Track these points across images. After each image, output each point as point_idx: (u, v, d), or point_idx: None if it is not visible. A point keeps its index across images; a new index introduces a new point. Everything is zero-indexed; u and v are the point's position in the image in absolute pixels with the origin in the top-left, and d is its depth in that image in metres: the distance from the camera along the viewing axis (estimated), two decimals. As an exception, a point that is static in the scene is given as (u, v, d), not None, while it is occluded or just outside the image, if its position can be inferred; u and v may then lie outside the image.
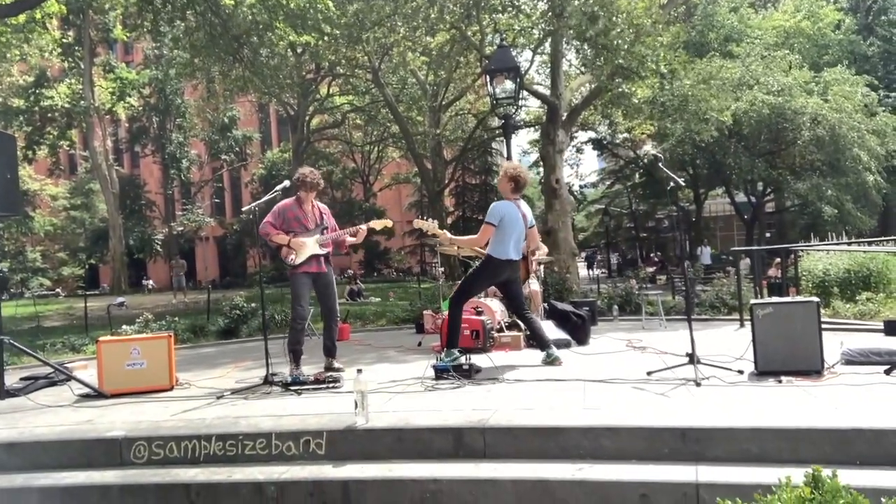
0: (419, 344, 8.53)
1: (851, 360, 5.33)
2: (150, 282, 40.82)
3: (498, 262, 6.18)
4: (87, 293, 30.71)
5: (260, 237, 6.32)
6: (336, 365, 6.47)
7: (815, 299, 5.19)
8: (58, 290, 40.51)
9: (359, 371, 4.35)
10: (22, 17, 17.42)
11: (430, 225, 6.50)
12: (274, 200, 6.32)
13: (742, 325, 8.72)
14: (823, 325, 5.13)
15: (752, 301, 5.59)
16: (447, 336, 6.29)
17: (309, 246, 6.27)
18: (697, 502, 3.43)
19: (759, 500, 2.32)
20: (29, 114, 31.54)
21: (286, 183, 6.37)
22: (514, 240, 6.19)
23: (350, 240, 6.57)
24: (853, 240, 16.44)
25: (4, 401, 5.82)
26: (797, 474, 3.38)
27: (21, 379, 6.59)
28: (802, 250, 11.86)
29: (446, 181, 32.88)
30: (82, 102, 31.38)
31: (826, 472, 2.20)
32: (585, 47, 14.98)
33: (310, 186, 6.35)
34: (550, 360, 6.17)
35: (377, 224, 6.70)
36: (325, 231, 6.41)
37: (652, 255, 42.92)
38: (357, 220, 45.73)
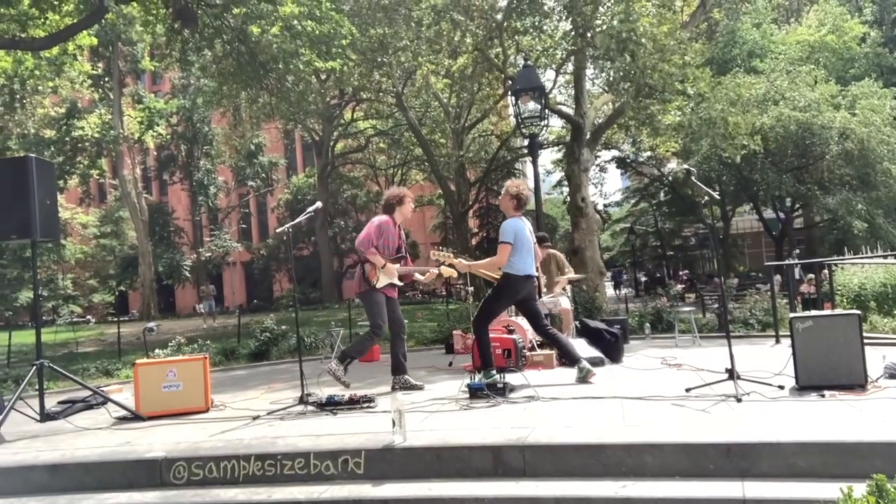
0: (450, 364, 8.50)
1: (895, 373, 5.22)
2: (201, 305, 38.03)
3: (517, 280, 6.27)
4: (118, 319, 31.12)
5: (358, 250, 6.34)
6: (414, 382, 6.45)
7: (857, 312, 5.10)
8: (88, 316, 41.07)
9: (394, 389, 4.34)
10: (55, 50, 17.89)
11: (446, 255, 6.59)
12: (299, 225, 6.36)
13: (778, 342, 8.59)
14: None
15: (791, 315, 5.51)
16: (480, 358, 6.36)
17: (394, 275, 6.38)
18: (745, 519, 3.36)
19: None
20: (60, 144, 32.24)
21: (318, 204, 6.47)
22: (528, 255, 6.32)
23: (418, 277, 6.69)
24: (889, 253, 16.14)
25: (45, 424, 5.90)
26: (849, 486, 3.33)
27: (59, 402, 6.67)
28: (836, 264, 11.67)
29: (470, 202, 32.93)
30: (112, 132, 32.04)
31: (890, 485, 2.14)
32: (608, 66, 14.99)
33: (402, 202, 6.49)
34: (583, 375, 6.13)
35: (445, 271, 6.76)
36: (404, 262, 6.53)
37: (680, 272, 42.50)
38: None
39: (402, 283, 6.56)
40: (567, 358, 6.46)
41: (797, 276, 14.10)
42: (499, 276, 6.40)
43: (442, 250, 6.64)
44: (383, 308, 6.33)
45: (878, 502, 2.05)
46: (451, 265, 6.64)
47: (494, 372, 6.10)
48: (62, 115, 32.53)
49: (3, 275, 36.46)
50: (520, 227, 6.29)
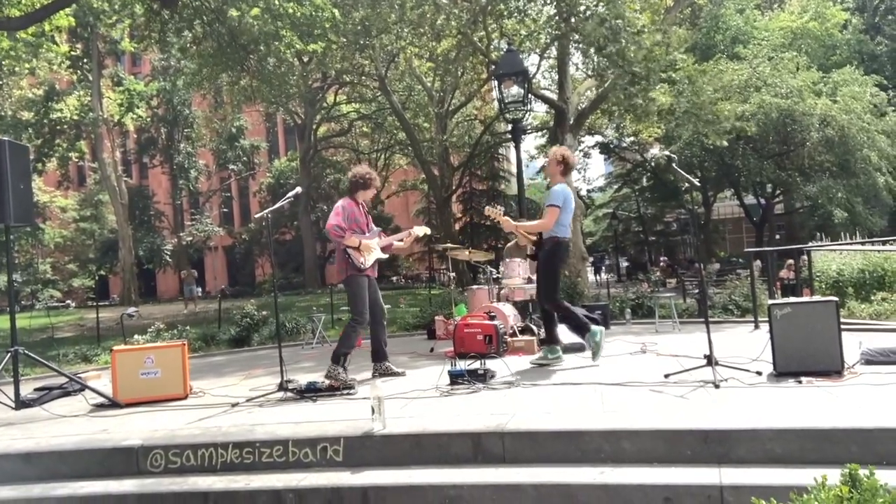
0: (431, 350, 8.50)
1: (871, 359, 5.27)
2: (199, 289, 34.51)
3: (566, 243, 6.36)
4: (98, 304, 30.82)
5: (329, 235, 6.27)
6: (395, 369, 6.45)
7: (835, 299, 5.13)
8: (68, 301, 40.68)
9: (375, 376, 4.32)
10: (31, 30, 17.54)
11: (497, 212, 6.60)
12: (281, 210, 6.32)
13: (757, 327, 8.66)
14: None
15: (770, 301, 5.55)
16: (571, 326, 6.43)
17: (375, 249, 6.32)
18: (722, 505, 3.38)
19: (794, 499, 2.27)
20: (38, 126, 31.74)
21: (298, 189, 6.39)
22: (570, 221, 6.39)
23: (398, 244, 6.66)
24: (867, 240, 16.32)
25: (20, 411, 5.82)
26: (823, 474, 3.36)
27: (35, 389, 6.58)
28: (815, 251, 11.78)
29: (454, 187, 32.87)
30: (91, 114, 31.58)
31: (863, 472, 2.15)
32: (592, 52, 14.94)
33: (368, 186, 6.38)
34: (597, 344, 6.20)
35: (420, 231, 6.78)
36: (379, 234, 6.49)
37: (661, 258, 42.76)
38: (365, 227, 45.82)
39: (386, 256, 6.55)
40: (579, 332, 6.41)
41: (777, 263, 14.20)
42: (534, 240, 6.41)
43: (494, 206, 6.66)
44: (366, 295, 6.25)
45: (852, 492, 2.06)
46: (498, 222, 6.64)
47: (559, 349, 6.26)
48: (40, 97, 31.99)
49: (-22, 259, 35.94)
50: (568, 193, 6.30)
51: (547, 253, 6.35)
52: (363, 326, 6.34)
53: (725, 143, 18.64)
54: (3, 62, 25.30)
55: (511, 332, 7.81)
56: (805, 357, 4.96)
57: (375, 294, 6.47)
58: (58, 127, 32.43)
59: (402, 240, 6.66)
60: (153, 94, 36.75)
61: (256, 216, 6.17)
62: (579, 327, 6.32)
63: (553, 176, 6.44)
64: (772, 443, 3.62)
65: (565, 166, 6.41)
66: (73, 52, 29.14)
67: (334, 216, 6.16)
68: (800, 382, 4.75)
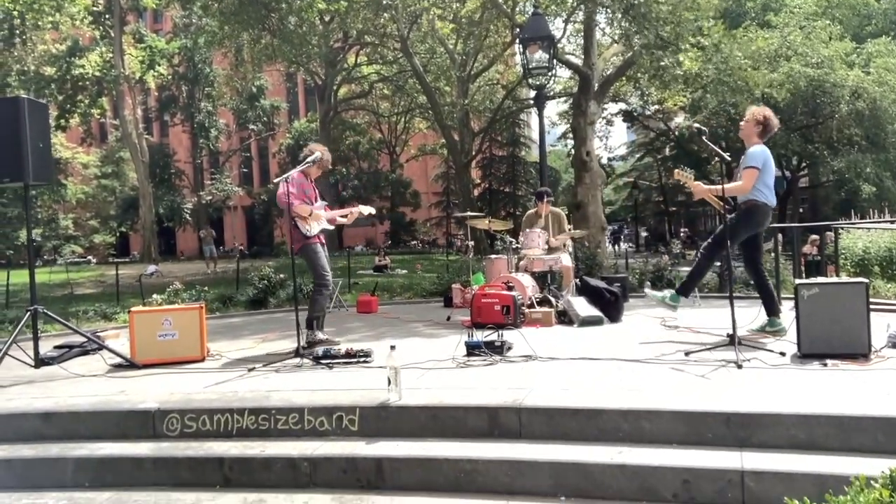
0: (448, 318, 8.44)
1: (900, 343, 5.14)
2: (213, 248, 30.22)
3: (766, 208, 5.89)
4: (118, 261, 31.12)
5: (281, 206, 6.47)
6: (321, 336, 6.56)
7: (865, 280, 5.00)
8: (90, 257, 41.15)
9: (392, 347, 4.28)
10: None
11: (687, 176, 6.20)
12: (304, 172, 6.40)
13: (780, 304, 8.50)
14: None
15: (797, 281, 5.41)
16: (688, 279, 6.21)
17: (321, 219, 6.57)
18: (742, 489, 3.32)
19: (830, 500, 2.19)
20: (61, 82, 31.72)
21: (317, 155, 6.34)
22: (773, 184, 5.95)
23: (341, 220, 6.92)
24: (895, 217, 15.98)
25: (40, 369, 5.86)
26: (849, 463, 3.28)
27: (55, 347, 6.63)
28: (842, 228, 11.55)
29: (473, 153, 32.62)
30: (112, 71, 31.48)
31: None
32: (619, 16, 14.58)
33: (322, 164, 6.62)
34: (776, 329, 5.90)
35: (365, 210, 7.04)
36: (326, 208, 6.78)
37: (681, 230, 42.38)
38: (383, 190, 45.76)
39: (332, 227, 6.83)
40: (768, 306, 6.09)
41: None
42: (724, 205, 5.87)
43: (684, 170, 6.30)
44: (323, 258, 6.50)
45: (893, 496, 1.97)
46: (688, 185, 6.22)
47: (780, 321, 5.94)
48: (63, 52, 31.92)
49: (4, 213, 36.36)
50: (767, 155, 5.88)
51: (743, 214, 5.94)
52: (328, 288, 6.64)
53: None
54: (27, 15, 25.31)
55: (529, 303, 7.74)
56: (831, 339, 4.85)
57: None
58: (80, 83, 32.37)
59: (345, 216, 6.92)
60: (174, 52, 36.55)
61: (276, 180, 6.17)
62: (687, 285, 6.16)
63: (749, 137, 5.97)
64: (795, 428, 3.55)
65: (764, 127, 5.89)
66: (94, 7, 29.00)
67: (283, 186, 6.29)
68: (825, 365, 4.65)
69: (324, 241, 6.69)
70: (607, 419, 3.83)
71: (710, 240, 6.22)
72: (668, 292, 6.23)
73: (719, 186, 5.75)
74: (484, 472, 3.69)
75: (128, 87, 33.57)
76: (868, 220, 13.59)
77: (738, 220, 5.96)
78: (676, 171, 6.21)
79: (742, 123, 6.13)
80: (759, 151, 5.85)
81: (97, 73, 31.50)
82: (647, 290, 6.10)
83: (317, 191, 6.77)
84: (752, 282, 6.36)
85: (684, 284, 6.18)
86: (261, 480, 3.94)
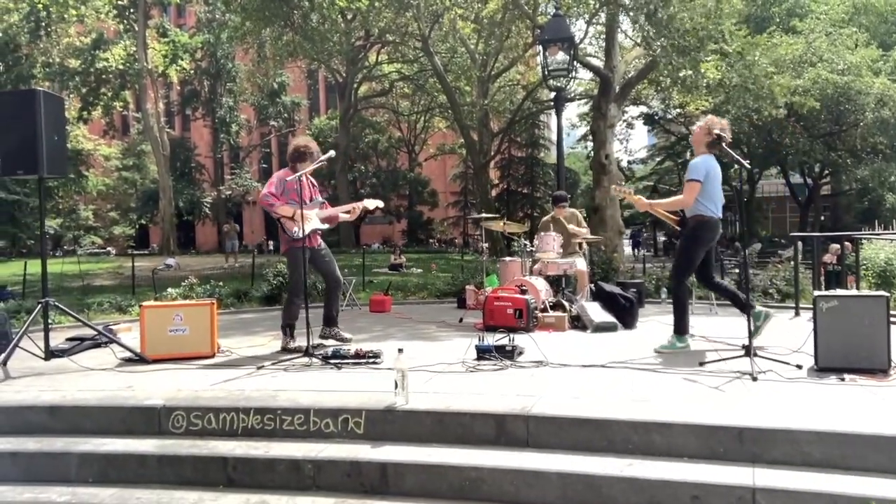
0: (461, 320, 8.40)
1: (920, 359, 5.00)
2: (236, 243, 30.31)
3: (713, 222, 5.70)
4: (137, 252, 31.36)
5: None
6: (344, 334, 6.51)
7: (886, 294, 4.88)
8: (109, 248, 41.55)
9: (399, 350, 4.22)
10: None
11: (626, 190, 6.16)
12: (319, 169, 6.28)
13: (797, 314, 8.37)
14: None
15: (816, 292, 5.29)
16: (676, 319, 5.87)
17: (312, 220, 6.23)
18: (753, 507, 3.24)
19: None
20: (85, 75, 32.02)
21: (332, 153, 6.29)
22: (719, 196, 5.77)
23: (343, 216, 6.58)
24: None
25: (50, 362, 5.87)
26: (865, 484, 3.19)
27: (67, 339, 6.65)
28: (864, 239, 11.35)
29: (492, 153, 32.49)
30: (136, 65, 31.74)
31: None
32: (643, 20, 14.43)
33: (306, 158, 6.23)
34: (759, 324, 5.69)
35: (370, 203, 6.63)
36: (322, 206, 6.44)
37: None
38: (401, 188, 45.79)
39: (327, 227, 6.49)
40: (739, 306, 5.94)
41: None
42: (675, 219, 5.87)
43: (621, 185, 6.22)
44: (303, 270, 6.08)
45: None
46: (629, 200, 6.15)
47: (688, 338, 5.81)
48: (88, 45, 32.23)
49: (26, 203, 36.76)
50: (712, 166, 5.70)
51: (690, 232, 5.78)
52: (300, 298, 6.17)
53: (783, 111, 17.88)
54: (52, 8, 25.58)
55: (542, 307, 7.67)
56: (849, 353, 4.74)
57: (329, 265, 6.47)
58: (103, 76, 32.65)
59: (348, 212, 6.51)
60: (197, 47, 36.75)
61: (289, 179, 6.08)
62: (679, 326, 5.83)
63: (698, 145, 5.81)
64: (810, 446, 3.45)
65: (716, 139, 5.62)
66: (119, 1, 29.25)
67: (267, 186, 6.15)
68: (842, 380, 4.54)
69: (319, 243, 6.42)
70: (617, 430, 3.75)
71: (672, 272, 6.06)
72: (670, 340, 5.90)
73: (661, 201, 5.76)
74: (489, 480, 3.62)
75: (150, 81, 33.82)
76: (891, 231, 13.34)
77: (687, 239, 5.82)
78: (614, 186, 6.18)
79: (694, 128, 5.99)
80: (701, 162, 5.68)
81: (120, 67, 31.76)
82: (657, 350, 5.81)
83: (315, 188, 6.52)
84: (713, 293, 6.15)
85: (676, 324, 5.89)
86: (264, 481, 3.90)
